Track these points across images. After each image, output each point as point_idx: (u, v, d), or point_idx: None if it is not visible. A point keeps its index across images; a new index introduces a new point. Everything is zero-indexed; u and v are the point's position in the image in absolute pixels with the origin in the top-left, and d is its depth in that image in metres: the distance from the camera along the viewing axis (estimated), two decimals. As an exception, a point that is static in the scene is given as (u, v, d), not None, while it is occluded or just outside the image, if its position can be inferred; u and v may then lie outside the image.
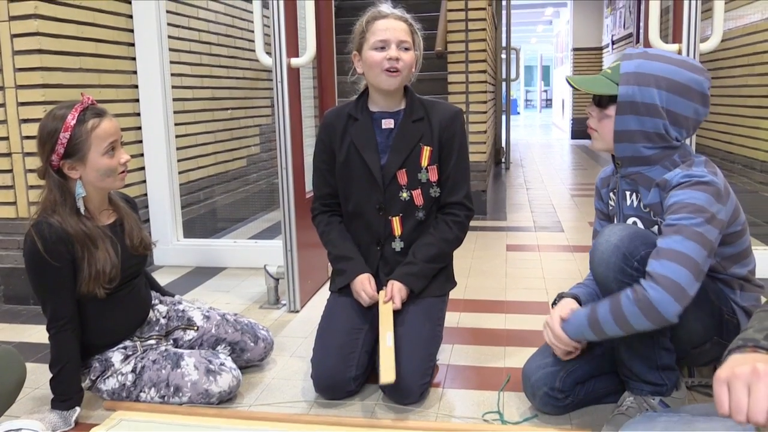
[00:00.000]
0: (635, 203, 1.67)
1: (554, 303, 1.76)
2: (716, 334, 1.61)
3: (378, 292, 1.93)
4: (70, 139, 1.68)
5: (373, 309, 1.93)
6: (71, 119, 1.69)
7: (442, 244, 1.95)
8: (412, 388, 1.82)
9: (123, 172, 1.79)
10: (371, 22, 1.89)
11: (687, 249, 1.44)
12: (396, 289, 1.90)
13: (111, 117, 1.76)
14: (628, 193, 1.69)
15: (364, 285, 1.92)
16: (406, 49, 1.87)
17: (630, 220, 1.68)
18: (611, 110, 1.60)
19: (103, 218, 1.83)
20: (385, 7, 1.92)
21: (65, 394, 1.75)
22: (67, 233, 1.70)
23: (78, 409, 1.76)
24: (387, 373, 1.73)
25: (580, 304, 1.69)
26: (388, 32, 1.85)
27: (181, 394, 1.83)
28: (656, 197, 1.58)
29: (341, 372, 1.86)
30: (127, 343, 1.89)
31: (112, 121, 1.75)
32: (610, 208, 1.79)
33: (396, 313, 1.91)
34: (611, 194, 1.77)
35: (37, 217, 1.73)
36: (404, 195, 1.94)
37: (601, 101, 1.63)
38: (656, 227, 1.63)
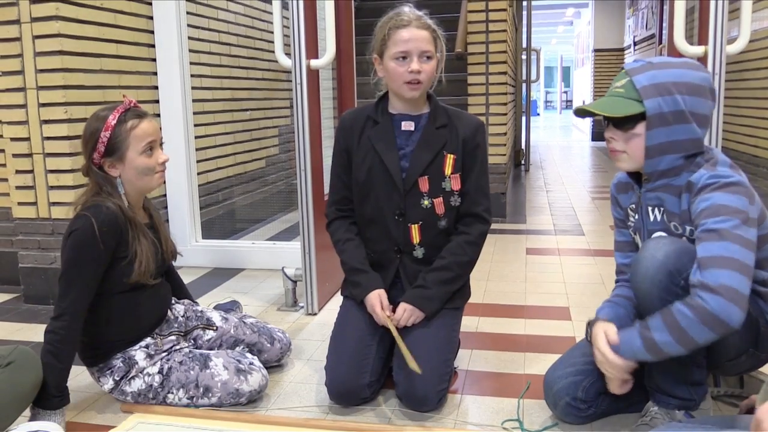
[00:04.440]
0: (659, 217, 1.61)
1: (586, 333, 1.64)
2: (752, 346, 1.57)
3: (392, 307, 1.89)
4: (110, 138, 1.78)
5: None
6: (112, 119, 1.79)
7: (457, 268, 1.89)
8: (428, 395, 1.79)
9: (160, 171, 1.87)
10: (393, 30, 1.81)
11: (732, 252, 1.39)
12: (401, 311, 1.86)
13: (151, 118, 1.86)
14: (650, 208, 1.62)
15: (374, 306, 1.87)
16: (428, 58, 1.81)
17: (656, 235, 1.61)
18: (639, 128, 1.53)
19: (140, 218, 1.89)
20: (408, 13, 1.84)
21: (61, 390, 1.73)
22: (124, 216, 1.78)
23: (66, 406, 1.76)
24: (413, 363, 1.72)
25: None
26: (410, 43, 1.79)
27: (210, 395, 1.84)
28: (685, 204, 1.53)
29: (354, 379, 1.84)
30: (148, 340, 1.89)
31: (151, 122, 1.85)
32: (630, 223, 1.73)
33: None
34: (630, 210, 1.71)
35: (85, 204, 1.78)
36: (426, 203, 1.89)
37: (620, 122, 1.55)
38: (684, 239, 1.57)
